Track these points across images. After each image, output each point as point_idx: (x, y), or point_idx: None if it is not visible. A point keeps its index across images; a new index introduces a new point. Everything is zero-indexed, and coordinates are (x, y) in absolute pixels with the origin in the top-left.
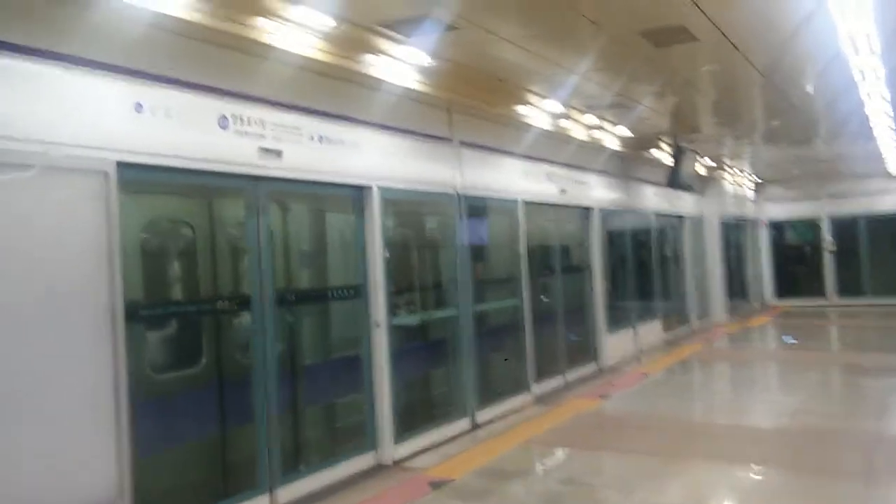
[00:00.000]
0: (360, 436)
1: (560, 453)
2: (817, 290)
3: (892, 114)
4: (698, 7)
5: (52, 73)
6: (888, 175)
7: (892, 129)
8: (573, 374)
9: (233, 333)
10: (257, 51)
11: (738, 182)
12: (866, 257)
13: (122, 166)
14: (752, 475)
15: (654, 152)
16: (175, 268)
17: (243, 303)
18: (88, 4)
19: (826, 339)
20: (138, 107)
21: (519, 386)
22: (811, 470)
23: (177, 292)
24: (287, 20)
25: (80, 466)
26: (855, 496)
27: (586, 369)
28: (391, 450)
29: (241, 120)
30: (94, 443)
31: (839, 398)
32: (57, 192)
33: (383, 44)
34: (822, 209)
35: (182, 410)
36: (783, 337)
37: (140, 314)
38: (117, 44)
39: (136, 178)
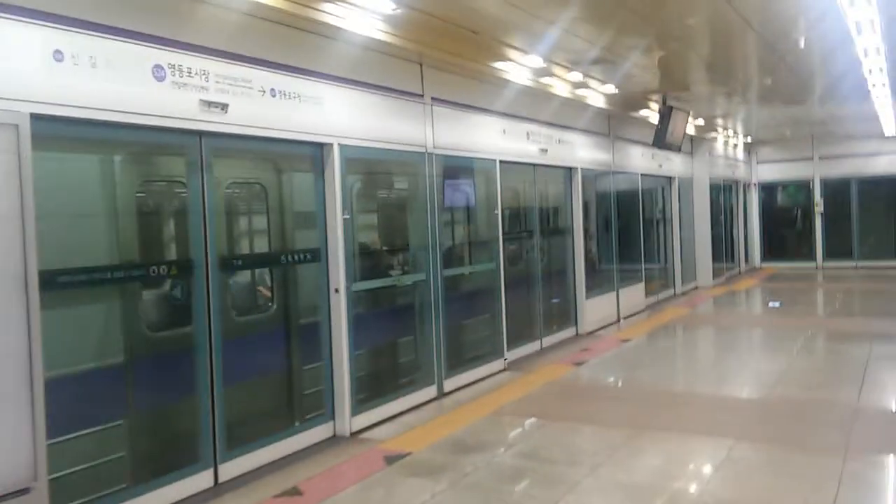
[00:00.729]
0: (317, 406)
1: (526, 424)
2: (806, 253)
3: (887, 72)
4: None
5: None
6: (882, 136)
7: (887, 87)
8: (550, 340)
9: (172, 301)
10: None
11: (729, 143)
12: (857, 220)
13: (38, 119)
14: (727, 450)
15: (642, 111)
16: (104, 231)
17: (183, 268)
18: None
19: (813, 303)
20: (57, 54)
21: (491, 352)
22: (789, 443)
23: (105, 257)
24: None
25: None
26: (833, 470)
27: (564, 334)
28: (349, 421)
29: (180, 70)
30: (5, 423)
31: (822, 366)
32: None
33: None
34: (813, 171)
35: (114, 384)
36: (769, 302)
37: (57, 281)
38: None
39: (55, 132)
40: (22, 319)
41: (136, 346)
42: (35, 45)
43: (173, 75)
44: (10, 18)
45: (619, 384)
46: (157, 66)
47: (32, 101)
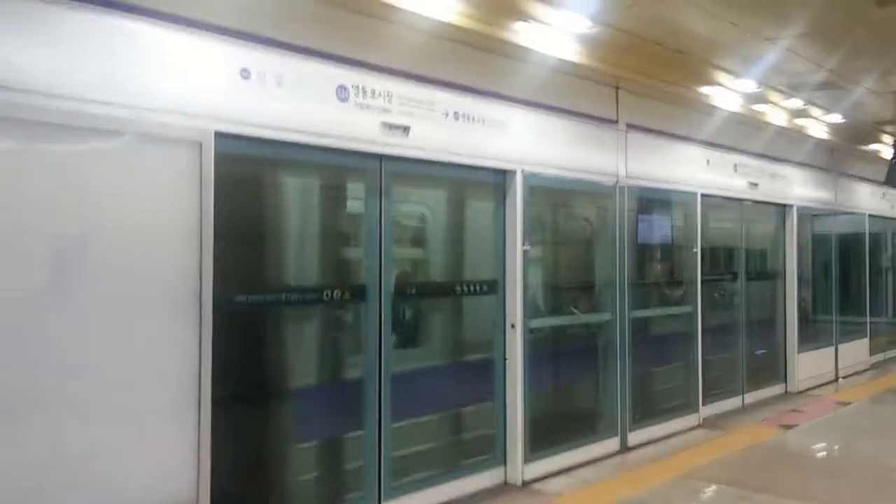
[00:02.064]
0: (488, 449)
1: (721, 493)
2: None
3: None
4: None
5: (148, 33)
6: None
7: None
8: (753, 396)
9: (342, 328)
10: (384, 14)
11: None
12: None
13: (221, 137)
14: None
15: (872, 145)
16: (278, 252)
17: (357, 294)
18: None
19: None
20: (245, 73)
21: (684, 406)
22: None
23: (278, 280)
24: None
25: (157, 465)
26: None
27: (770, 391)
28: (521, 468)
29: (364, 91)
30: (174, 441)
31: None
32: (145, 162)
33: (533, 5)
34: None
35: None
36: None
37: (233, 302)
38: (225, 3)
39: (236, 150)
40: (194, 338)
41: (307, 373)
42: (223, 63)
43: (357, 96)
44: (200, 34)
45: (836, 455)
46: (342, 87)
47: (218, 119)
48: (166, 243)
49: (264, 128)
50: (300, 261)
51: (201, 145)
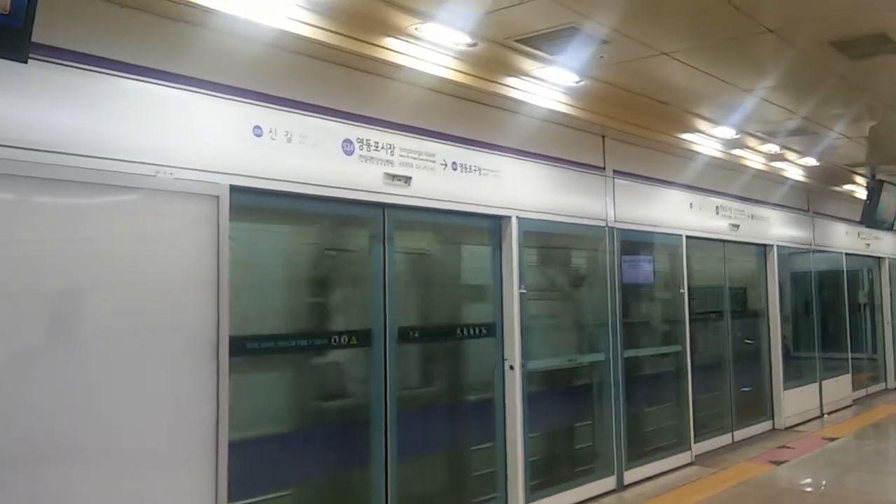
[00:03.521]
0: (489, 489)
1: None
2: None
3: None
4: None
5: (167, 94)
6: None
7: None
8: (742, 433)
9: (348, 371)
10: (385, 72)
11: None
12: None
13: (236, 191)
14: None
15: (847, 186)
16: (289, 299)
17: (362, 338)
18: (207, 24)
19: None
20: (257, 130)
21: (676, 444)
22: None
23: (288, 325)
24: (418, 38)
25: None
26: None
27: (758, 428)
28: None
29: (367, 145)
30: (190, 487)
31: None
32: (164, 216)
33: (525, 63)
34: None
35: (285, 453)
36: None
37: (247, 348)
38: (237, 64)
39: (250, 203)
40: (211, 383)
41: (316, 414)
42: (237, 121)
43: (361, 149)
44: (216, 96)
45: (826, 490)
46: (347, 141)
47: (232, 174)
48: (185, 291)
49: (276, 181)
50: (308, 307)
51: (218, 199)
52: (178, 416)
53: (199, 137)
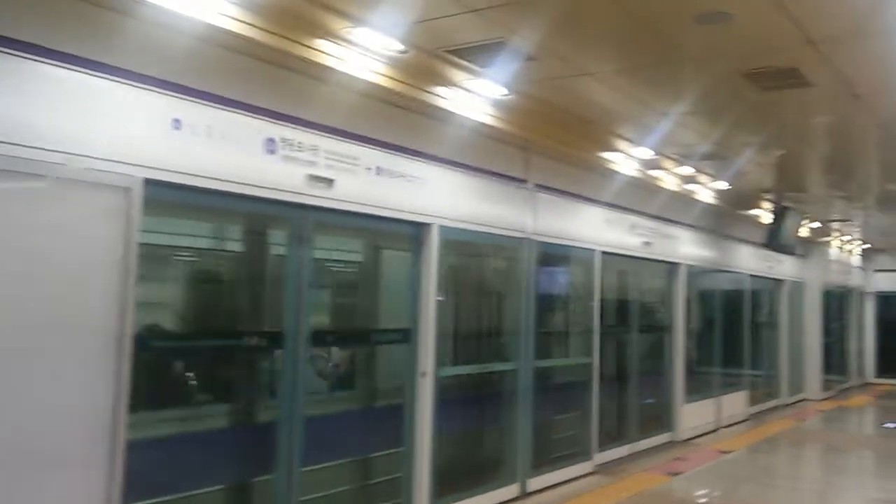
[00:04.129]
0: (394, 494)
1: None
2: None
3: None
4: (814, 46)
5: (84, 82)
6: None
7: None
8: (643, 444)
9: (258, 373)
10: (314, 73)
11: (844, 248)
12: None
13: (151, 184)
14: None
15: (754, 210)
16: (198, 297)
17: (274, 339)
18: (134, 13)
19: None
20: (176, 123)
21: (579, 452)
22: None
23: (199, 324)
24: (349, 42)
25: None
26: None
27: (658, 439)
28: None
29: (291, 145)
30: (86, 487)
31: None
32: (71, 206)
33: (454, 73)
34: None
35: (187, 455)
36: (885, 422)
37: (151, 346)
38: (162, 56)
39: (165, 197)
40: (111, 379)
41: (228, 416)
42: (156, 113)
43: (284, 149)
44: (136, 86)
45: (717, 501)
46: (269, 140)
47: (147, 167)
48: (89, 285)
49: (194, 176)
50: (221, 304)
51: (131, 191)
52: (74, 415)
53: (116, 127)
